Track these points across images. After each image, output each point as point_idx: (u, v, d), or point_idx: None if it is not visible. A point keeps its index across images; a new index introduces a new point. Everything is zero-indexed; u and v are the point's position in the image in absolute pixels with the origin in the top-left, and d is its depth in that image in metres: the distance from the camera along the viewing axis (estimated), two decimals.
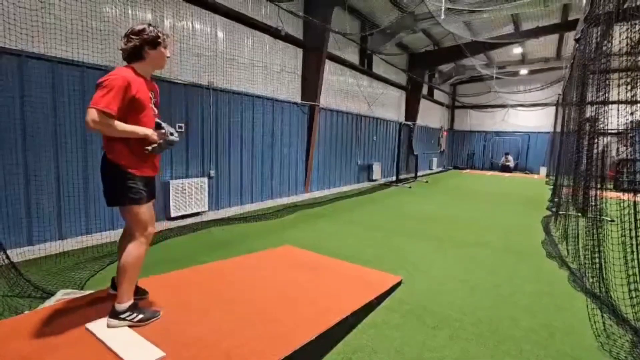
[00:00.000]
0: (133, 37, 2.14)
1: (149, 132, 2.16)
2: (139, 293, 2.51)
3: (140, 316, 2.22)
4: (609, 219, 3.60)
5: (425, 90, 15.33)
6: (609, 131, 3.51)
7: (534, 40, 11.85)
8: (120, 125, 2.05)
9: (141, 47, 2.15)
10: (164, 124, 2.27)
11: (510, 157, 17.78)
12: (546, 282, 3.53)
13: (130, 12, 4.61)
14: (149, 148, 2.18)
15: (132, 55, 2.17)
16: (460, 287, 3.34)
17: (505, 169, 17.62)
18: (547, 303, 3.06)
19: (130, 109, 2.10)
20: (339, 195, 8.79)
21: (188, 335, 2.20)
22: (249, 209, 6.62)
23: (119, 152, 2.13)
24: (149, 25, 2.21)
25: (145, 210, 2.22)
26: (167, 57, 2.30)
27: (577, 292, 3.27)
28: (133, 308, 2.22)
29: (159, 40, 2.20)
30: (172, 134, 2.25)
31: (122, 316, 2.17)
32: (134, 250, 2.20)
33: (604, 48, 3.53)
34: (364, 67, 10.52)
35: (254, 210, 6.64)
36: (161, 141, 2.21)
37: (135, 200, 2.17)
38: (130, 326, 2.20)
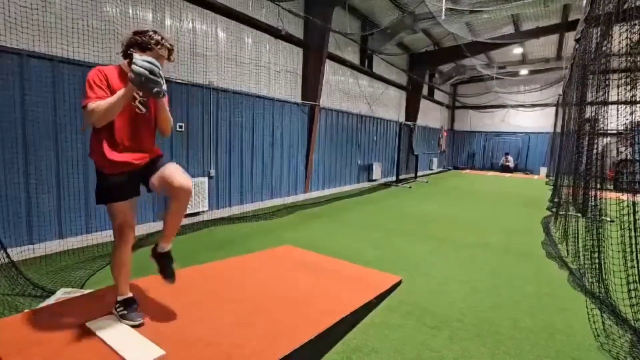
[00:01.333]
0: (130, 35, 2.15)
1: (121, 91, 2.02)
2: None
3: (124, 312, 2.28)
4: (609, 219, 3.60)
5: (425, 91, 15.33)
6: (609, 131, 3.52)
7: (534, 41, 11.85)
8: (103, 103, 1.98)
9: (131, 47, 2.11)
10: (136, 56, 2.01)
11: (510, 158, 17.78)
12: (546, 282, 3.54)
13: (131, 11, 4.61)
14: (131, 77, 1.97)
15: (124, 53, 2.16)
16: (461, 287, 3.35)
17: (505, 169, 17.63)
18: (547, 303, 3.06)
19: None
20: (339, 195, 8.79)
21: (188, 334, 2.20)
22: (249, 209, 6.62)
23: (93, 149, 2.16)
24: (155, 31, 2.17)
25: (117, 208, 2.21)
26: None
27: (577, 293, 3.27)
28: (123, 303, 2.31)
29: (149, 46, 2.11)
30: (146, 61, 1.96)
31: (115, 306, 2.32)
32: (113, 247, 2.31)
33: (604, 48, 3.53)
34: (365, 67, 10.52)
35: (254, 209, 6.65)
36: (131, 75, 1.94)
37: (104, 198, 2.20)
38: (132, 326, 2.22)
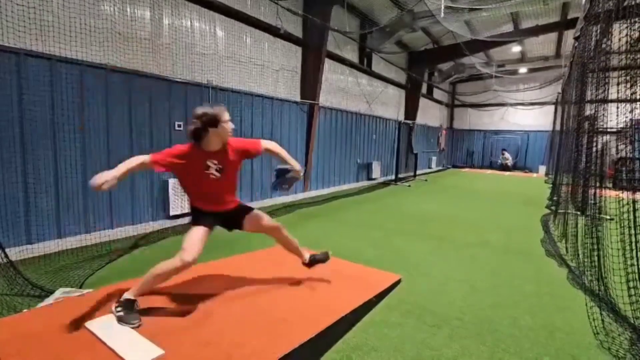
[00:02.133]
0: (195, 120, 2.41)
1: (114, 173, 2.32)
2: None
3: (121, 314, 2.28)
4: (608, 217, 3.60)
5: (424, 89, 15.32)
6: (608, 129, 3.51)
7: (534, 39, 11.85)
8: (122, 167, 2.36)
9: (203, 128, 2.40)
10: (281, 166, 2.79)
11: (507, 154, 17.62)
12: (546, 281, 3.54)
13: (129, 10, 4.59)
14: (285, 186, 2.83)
15: (193, 136, 2.44)
16: (460, 286, 3.34)
17: (504, 167, 17.56)
18: (546, 302, 3.06)
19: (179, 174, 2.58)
20: (338, 194, 8.78)
21: (188, 333, 2.20)
22: None
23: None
24: (209, 107, 2.45)
25: (189, 234, 2.52)
26: (232, 128, 2.53)
27: (577, 291, 3.27)
28: (124, 304, 2.31)
29: (218, 119, 2.42)
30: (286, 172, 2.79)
31: (115, 306, 2.33)
32: (170, 264, 2.35)
33: (603, 46, 3.52)
34: (364, 66, 10.50)
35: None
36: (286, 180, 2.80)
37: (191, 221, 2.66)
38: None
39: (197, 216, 2.63)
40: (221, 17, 5.89)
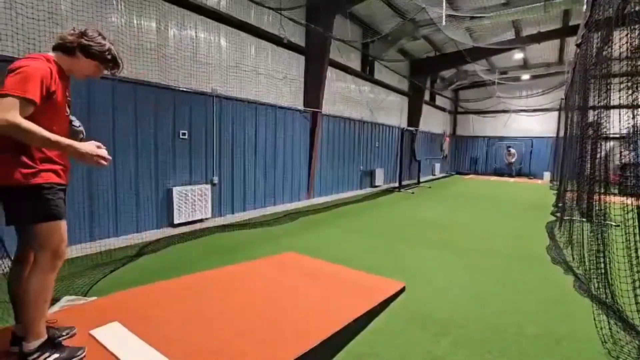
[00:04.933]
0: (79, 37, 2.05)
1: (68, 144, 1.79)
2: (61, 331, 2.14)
3: (55, 356, 1.82)
4: (614, 223, 3.57)
5: (427, 96, 15.37)
6: (612, 135, 3.50)
7: (535, 46, 11.89)
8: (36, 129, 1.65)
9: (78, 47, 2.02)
10: (72, 118, 2.20)
11: (513, 150, 17.37)
12: (552, 288, 3.50)
13: (135, 21, 4.68)
14: None
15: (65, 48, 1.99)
16: (465, 293, 3.32)
17: (508, 170, 17.39)
18: (552, 309, 3.03)
19: (46, 108, 1.78)
20: (342, 202, 8.78)
21: (193, 342, 2.20)
22: (251, 216, 6.63)
23: None
24: (103, 37, 2.11)
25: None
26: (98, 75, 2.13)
27: (583, 298, 3.24)
28: (44, 346, 1.81)
29: (106, 56, 2.10)
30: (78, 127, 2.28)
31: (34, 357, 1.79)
32: (41, 275, 1.85)
33: (605, 53, 3.54)
34: (366, 74, 10.58)
35: (257, 216, 6.65)
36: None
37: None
38: None
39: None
40: (225, 28, 5.99)
